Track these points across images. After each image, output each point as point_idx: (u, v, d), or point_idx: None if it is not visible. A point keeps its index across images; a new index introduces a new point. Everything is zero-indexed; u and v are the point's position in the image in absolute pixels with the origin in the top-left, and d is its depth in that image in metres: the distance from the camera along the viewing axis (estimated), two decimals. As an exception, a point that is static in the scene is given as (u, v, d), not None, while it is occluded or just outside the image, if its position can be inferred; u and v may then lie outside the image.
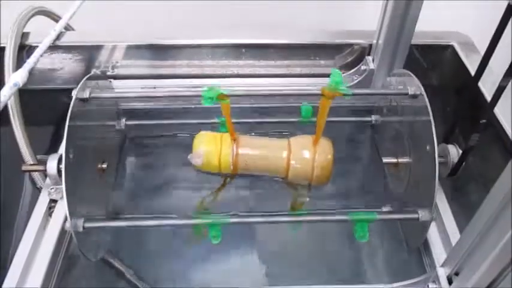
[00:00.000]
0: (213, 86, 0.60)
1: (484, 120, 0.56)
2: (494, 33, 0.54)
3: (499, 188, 0.39)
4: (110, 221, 0.60)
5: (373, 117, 0.76)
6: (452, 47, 0.79)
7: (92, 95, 0.59)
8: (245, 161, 0.66)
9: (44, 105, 0.78)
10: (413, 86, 0.59)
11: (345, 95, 0.59)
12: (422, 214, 0.56)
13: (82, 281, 0.62)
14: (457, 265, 0.47)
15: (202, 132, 0.68)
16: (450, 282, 0.49)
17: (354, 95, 0.59)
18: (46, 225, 0.60)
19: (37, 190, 0.65)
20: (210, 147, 0.66)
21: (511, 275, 0.41)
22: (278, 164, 0.66)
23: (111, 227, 0.59)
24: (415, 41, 0.71)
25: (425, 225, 0.56)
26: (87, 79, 0.59)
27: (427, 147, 0.55)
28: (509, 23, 0.51)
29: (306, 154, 0.65)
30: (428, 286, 0.50)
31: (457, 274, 0.48)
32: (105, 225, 0.58)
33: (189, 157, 0.66)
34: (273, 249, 0.72)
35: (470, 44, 0.78)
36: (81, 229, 0.54)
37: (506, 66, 0.50)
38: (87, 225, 0.55)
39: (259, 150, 0.67)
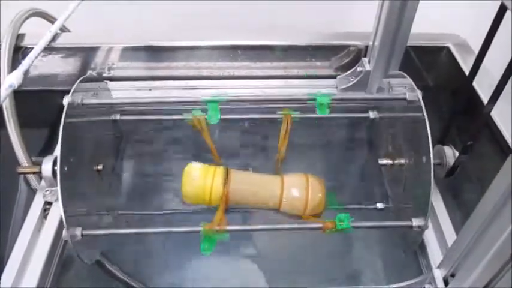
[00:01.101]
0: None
1: (470, 143, 0.57)
2: (488, 33, 0.54)
3: (495, 188, 0.39)
4: (108, 230, 0.59)
5: (370, 113, 0.76)
6: (447, 48, 0.79)
7: (85, 100, 0.58)
8: (236, 201, 0.63)
9: (39, 106, 0.78)
10: (409, 88, 0.59)
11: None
12: (416, 222, 0.56)
13: (77, 282, 0.62)
14: (453, 267, 0.47)
15: (192, 166, 0.64)
16: (446, 283, 0.49)
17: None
18: (41, 228, 0.60)
19: (32, 192, 0.65)
20: (200, 183, 0.62)
21: (509, 275, 0.41)
22: (270, 204, 0.64)
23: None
24: (410, 42, 0.71)
25: (419, 233, 0.56)
26: (82, 81, 0.59)
27: (423, 154, 0.55)
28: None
29: (297, 193, 0.63)
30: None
31: (453, 276, 0.48)
32: (104, 233, 0.58)
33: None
34: (269, 251, 0.72)
35: (466, 45, 0.79)
36: (79, 238, 0.54)
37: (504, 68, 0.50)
38: (85, 232, 0.55)
39: (251, 190, 0.64)
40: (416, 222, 0.55)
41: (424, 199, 0.54)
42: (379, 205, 0.69)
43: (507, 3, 0.48)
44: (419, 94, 0.58)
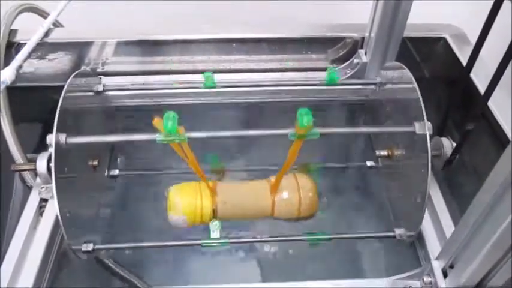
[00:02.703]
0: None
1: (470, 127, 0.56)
2: (485, 23, 0.53)
3: (494, 178, 0.39)
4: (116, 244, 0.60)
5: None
6: (444, 39, 0.78)
7: (81, 93, 0.58)
8: (227, 216, 0.62)
9: (33, 102, 0.77)
10: (406, 79, 0.59)
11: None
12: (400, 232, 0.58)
13: (75, 280, 0.61)
14: (452, 258, 0.47)
15: (177, 187, 0.63)
16: (445, 275, 0.48)
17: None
18: (37, 225, 0.60)
19: (28, 189, 0.65)
20: (189, 205, 0.60)
21: (509, 265, 0.41)
22: (262, 212, 0.63)
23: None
24: (407, 33, 0.71)
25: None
26: (75, 76, 0.58)
27: (419, 147, 0.55)
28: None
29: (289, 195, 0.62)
30: (423, 279, 0.50)
31: (452, 267, 0.48)
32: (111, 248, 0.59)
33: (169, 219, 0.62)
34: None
35: (463, 36, 0.78)
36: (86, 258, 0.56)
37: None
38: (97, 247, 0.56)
39: (241, 203, 0.63)
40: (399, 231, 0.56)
41: (416, 206, 0.55)
42: (369, 163, 0.70)
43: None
44: (416, 84, 0.57)
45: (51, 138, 0.52)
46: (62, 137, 0.54)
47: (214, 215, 0.61)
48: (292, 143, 0.55)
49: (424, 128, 0.54)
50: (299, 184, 0.63)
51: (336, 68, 0.77)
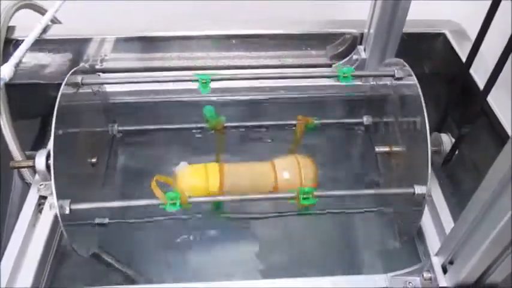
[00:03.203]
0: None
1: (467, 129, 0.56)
2: (484, 20, 0.53)
3: (494, 174, 0.39)
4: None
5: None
6: (444, 35, 0.78)
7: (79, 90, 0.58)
8: (233, 191, 0.62)
9: (31, 99, 0.77)
10: (406, 75, 0.59)
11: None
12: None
13: (74, 277, 0.61)
14: (452, 254, 0.47)
15: (184, 168, 0.63)
16: (445, 271, 0.49)
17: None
18: (36, 222, 0.59)
19: (27, 186, 0.64)
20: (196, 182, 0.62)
21: (508, 261, 0.41)
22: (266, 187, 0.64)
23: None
24: (407, 29, 0.71)
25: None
26: (73, 73, 0.58)
27: (420, 143, 0.55)
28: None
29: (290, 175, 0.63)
30: (423, 275, 0.50)
31: (451, 263, 0.48)
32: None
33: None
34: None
35: (462, 32, 0.78)
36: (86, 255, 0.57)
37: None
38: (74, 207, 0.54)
39: (246, 181, 0.64)
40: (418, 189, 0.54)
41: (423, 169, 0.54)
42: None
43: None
44: (416, 80, 0.57)
45: (49, 136, 0.52)
46: (61, 133, 0.54)
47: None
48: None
49: (425, 125, 0.54)
50: (300, 164, 0.64)
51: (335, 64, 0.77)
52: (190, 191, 0.59)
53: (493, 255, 0.42)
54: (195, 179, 0.62)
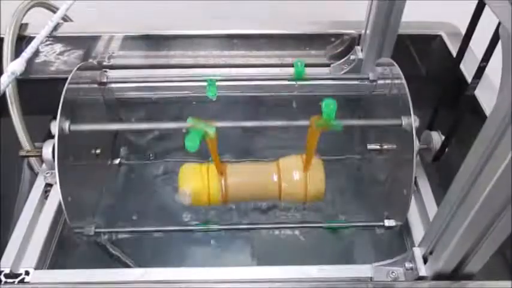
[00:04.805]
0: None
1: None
2: (473, 13, 0.54)
3: (467, 164, 0.41)
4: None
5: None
6: (440, 37, 0.80)
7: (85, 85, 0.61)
8: (235, 195, 0.63)
9: (42, 94, 0.80)
10: (396, 75, 0.61)
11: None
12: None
13: (76, 261, 0.65)
14: (432, 245, 0.49)
15: (187, 165, 0.65)
16: (425, 261, 0.50)
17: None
18: (42, 208, 0.63)
19: (35, 175, 0.68)
20: (197, 184, 0.62)
21: (484, 250, 0.43)
22: (270, 194, 0.64)
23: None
24: (403, 31, 0.72)
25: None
26: (79, 68, 0.61)
27: (407, 143, 0.57)
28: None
29: (297, 176, 0.63)
30: (405, 265, 0.52)
31: (431, 253, 0.50)
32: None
33: (176, 198, 0.65)
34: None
35: (459, 34, 0.79)
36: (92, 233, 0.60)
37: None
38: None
39: (249, 182, 0.64)
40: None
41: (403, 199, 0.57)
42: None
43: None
44: (404, 80, 0.59)
45: (54, 126, 0.56)
46: (66, 125, 0.57)
47: (222, 197, 0.63)
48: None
49: (411, 122, 0.56)
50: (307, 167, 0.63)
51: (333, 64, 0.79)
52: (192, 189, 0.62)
53: (467, 245, 0.44)
54: (195, 179, 0.63)
